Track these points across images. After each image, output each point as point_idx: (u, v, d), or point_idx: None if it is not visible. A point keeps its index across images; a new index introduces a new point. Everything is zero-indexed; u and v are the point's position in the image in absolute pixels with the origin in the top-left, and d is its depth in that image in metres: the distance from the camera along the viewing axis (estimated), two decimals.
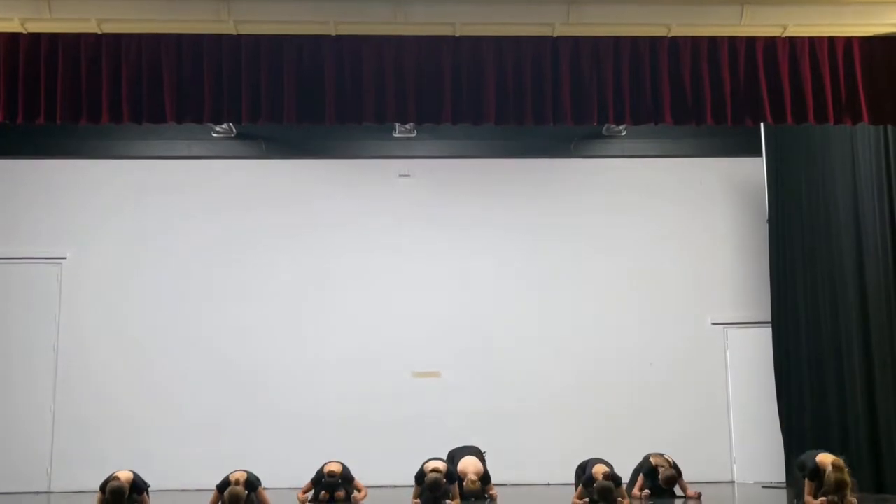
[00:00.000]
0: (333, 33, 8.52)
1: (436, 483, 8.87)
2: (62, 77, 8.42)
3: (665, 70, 8.67)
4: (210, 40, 8.54)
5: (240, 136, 13.11)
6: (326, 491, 9.86)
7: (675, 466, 10.20)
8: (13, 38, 8.44)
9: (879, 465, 10.10)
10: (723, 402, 12.88)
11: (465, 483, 9.61)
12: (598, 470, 9.11)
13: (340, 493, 9.84)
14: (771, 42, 8.69)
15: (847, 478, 8.48)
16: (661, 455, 10.30)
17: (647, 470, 10.23)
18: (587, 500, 9.02)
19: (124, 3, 8.32)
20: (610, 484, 8.85)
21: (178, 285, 12.89)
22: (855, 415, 10.56)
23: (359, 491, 9.99)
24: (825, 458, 8.74)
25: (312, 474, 10.05)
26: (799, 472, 9.17)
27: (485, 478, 9.88)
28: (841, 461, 8.65)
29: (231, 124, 12.55)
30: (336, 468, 9.93)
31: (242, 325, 12.84)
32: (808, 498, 8.74)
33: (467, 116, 8.70)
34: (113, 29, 8.44)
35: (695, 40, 8.71)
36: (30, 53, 8.44)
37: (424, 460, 9.51)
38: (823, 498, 8.45)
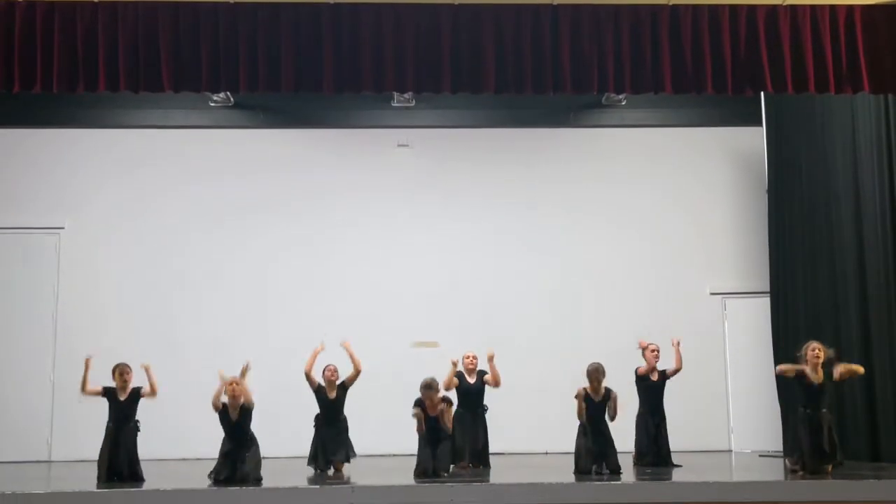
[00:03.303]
0: (331, 0, 8.46)
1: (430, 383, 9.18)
2: (58, 45, 8.39)
3: (665, 38, 8.65)
4: (207, 8, 8.50)
5: (237, 105, 13.05)
6: None
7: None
8: (9, 6, 8.41)
9: (876, 434, 10.18)
10: (721, 372, 12.93)
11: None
12: None
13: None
14: (772, 10, 8.66)
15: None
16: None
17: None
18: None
19: None
20: (600, 364, 9.38)
21: (176, 254, 12.88)
22: (851, 384, 10.59)
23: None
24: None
25: (310, 448, 10.10)
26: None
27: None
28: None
29: (228, 93, 12.48)
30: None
31: (240, 295, 12.85)
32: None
33: (466, 85, 8.69)
34: None
35: (695, 8, 8.68)
36: (26, 21, 8.41)
37: None
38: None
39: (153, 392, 9.17)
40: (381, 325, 12.78)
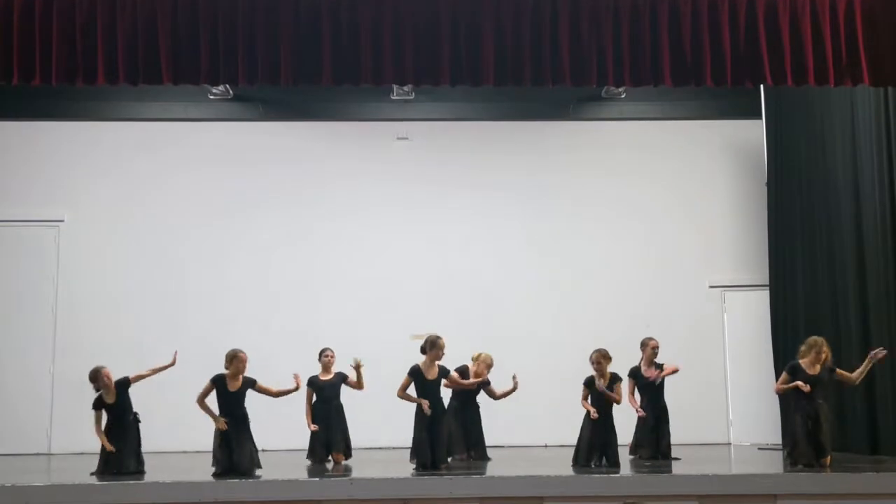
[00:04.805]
0: None
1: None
2: (57, 38, 8.37)
3: (665, 31, 8.63)
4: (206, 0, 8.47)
5: (237, 98, 13.06)
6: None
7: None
8: None
9: (875, 427, 10.17)
10: (720, 365, 12.94)
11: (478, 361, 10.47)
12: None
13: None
14: (771, 2, 8.63)
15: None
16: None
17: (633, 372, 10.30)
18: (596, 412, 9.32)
19: None
20: (605, 351, 9.34)
21: (176, 247, 12.89)
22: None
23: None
24: None
25: (308, 440, 10.12)
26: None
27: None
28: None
29: (227, 86, 12.48)
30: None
31: (239, 287, 12.86)
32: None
33: (466, 78, 8.67)
34: None
35: (695, 0, 8.64)
36: (24, 14, 8.37)
37: None
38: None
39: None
40: (379, 317, 12.79)
